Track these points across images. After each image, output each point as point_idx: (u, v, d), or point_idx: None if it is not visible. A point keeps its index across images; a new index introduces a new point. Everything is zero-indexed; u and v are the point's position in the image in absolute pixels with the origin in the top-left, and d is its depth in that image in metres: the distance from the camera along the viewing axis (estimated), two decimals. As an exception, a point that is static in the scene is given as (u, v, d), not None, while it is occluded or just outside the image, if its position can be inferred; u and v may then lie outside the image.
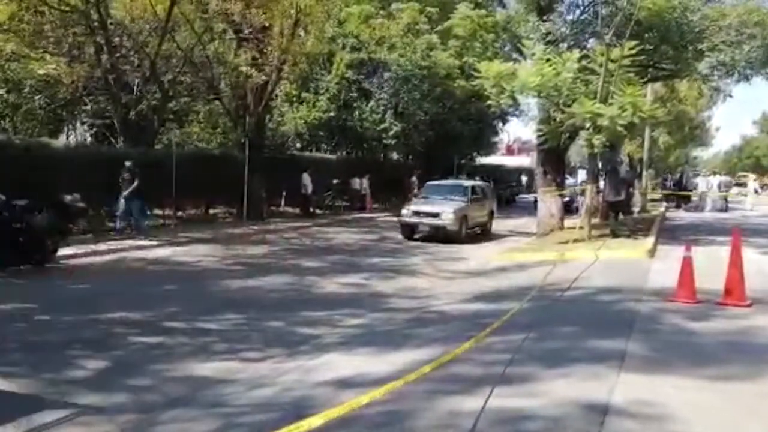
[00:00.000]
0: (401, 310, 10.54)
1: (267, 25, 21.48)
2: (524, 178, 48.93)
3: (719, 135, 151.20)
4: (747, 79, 20.03)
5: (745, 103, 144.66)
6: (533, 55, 17.07)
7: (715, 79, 21.70)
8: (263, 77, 22.00)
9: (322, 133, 32.54)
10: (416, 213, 20.61)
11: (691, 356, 7.10)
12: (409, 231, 20.77)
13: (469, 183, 23.54)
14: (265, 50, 21.91)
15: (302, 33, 23.37)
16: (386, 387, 5.10)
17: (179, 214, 21.40)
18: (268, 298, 11.27)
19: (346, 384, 6.39)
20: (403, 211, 21.12)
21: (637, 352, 7.22)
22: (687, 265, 9.99)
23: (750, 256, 16.10)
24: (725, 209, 35.25)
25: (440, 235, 19.98)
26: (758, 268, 13.67)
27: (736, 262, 9.74)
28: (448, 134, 34.43)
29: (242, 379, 6.88)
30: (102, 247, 15.43)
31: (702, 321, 8.82)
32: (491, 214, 23.49)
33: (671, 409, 5.49)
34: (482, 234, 22.22)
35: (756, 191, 37.17)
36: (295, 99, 30.71)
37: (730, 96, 31.43)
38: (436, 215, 20.15)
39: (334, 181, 28.81)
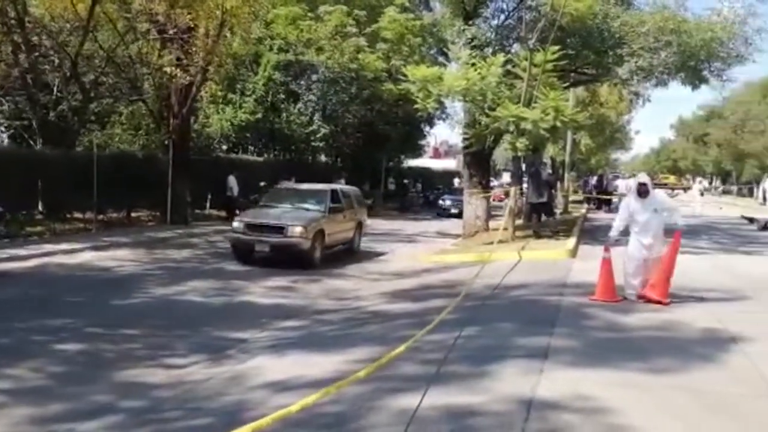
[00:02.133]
0: (330, 312, 10.55)
1: (192, 25, 21.14)
2: (456, 181, 49.28)
3: (639, 138, 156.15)
4: (664, 83, 20.80)
5: (663, 108, 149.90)
6: (459, 59, 17.33)
7: (634, 83, 22.47)
8: (188, 78, 21.63)
9: (248, 135, 32.20)
10: (253, 227, 15.39)
11: (612, 350, 7.33)
12: (245, 251, 15.50)
13: (328, 187, 18.41)
14: (190, 51, 21.55)
15: (228, 34, 23.08)
16: (325, 390, 5.08)
17: (100, 217, 20.86)
18: (193, 303, 11.11)
19: (278, 387, 6.37)
20: (235, 224, 15.91)
21: (561, 347, 7.43)
22: (606, 264, 10.29)
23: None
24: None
25: (286, 257, 15.12)
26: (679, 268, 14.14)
27: (665, 262, 10.09)
28: (376, 137, 34.55)
29: (170, 385, 6.78)
30: (22, 252, 14.92)
31: (622, 317, 9.12)
32: (359, 227, 18.80)
33: (599, 402, 5.69)
34: (347, 252, 17.73)
35: (702, 194, 38.44)
36: (220, 100, 30.31)
37: (649, 100, 32.61)
38: (280, 230, 15.10)
39: (261, 184, 28.51)
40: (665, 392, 6.06)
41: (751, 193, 68.99)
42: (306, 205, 16.63)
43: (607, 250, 10.37)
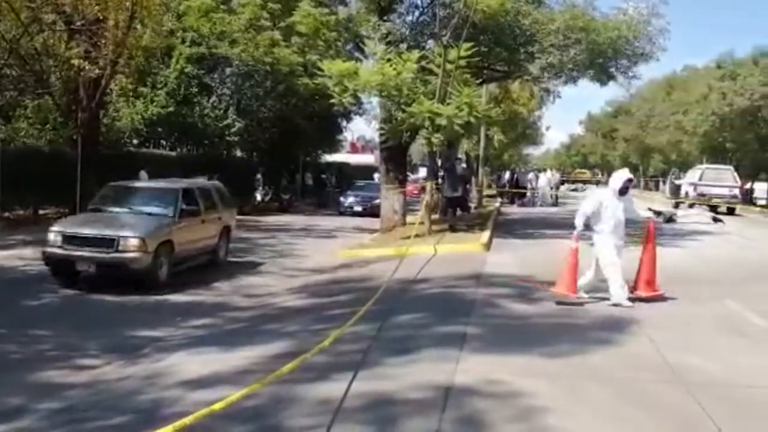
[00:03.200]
0: (245, 309, 10.47)
1: (101, 17, 20.50)
2: (376, 175, 48.98)
3: (550, 134, 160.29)
4: (574, 80, 21.40)
5: (572, 104, 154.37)
6: (374, 54, 17.39)
7: (545, 80, 23.02)
8: (97, 71, 20.98)
9: (160, 130, 31.51)
10: (73, 239, 11.74)
11: (526, 338, 7.61)
12: (64, 270, 11.93)
13: (179, 185, 14.36)
14: (98, 43, 20.90)
15: (139, 26, 22.51)
16: (251, 385, 5.07)
17: (6, 215, 20.07)
18: (105, 302, 10.83)
19: (196, 385, 6.29)
20: (51, 236, 12.05)
21: (477, 336, 7.67)
22: (574, 256, 9.79)
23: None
24: (556, 204, 37.44)
25: (119, 277, 11.61)
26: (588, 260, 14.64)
27: (650, 254, 10.21)
28: (292, 131, 34.26)
29: (85, 385, 6.61)
30: None
31: (534, 306, 9.45)
32: (226, 233, 15.12)
33: (514, 387, 5.92)
34: (210, 264, 14.18)
35: None
36: (131, 94, 29.53)
37: (559, 97, 33.48)
38: (109, 243, 11.52)
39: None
40: (577, 378, 6.32)
41: (657, 187, 71.76)
42: (149, 209, 12.98)
43: (576, 240, 9.86)
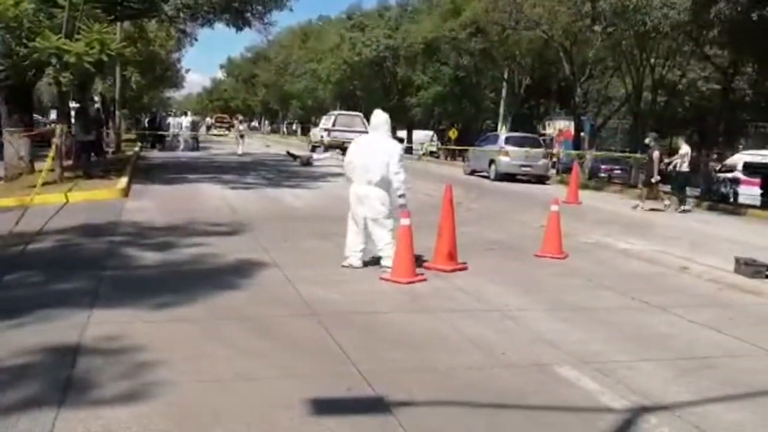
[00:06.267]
0: None
1: None
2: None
3: (191, 77, 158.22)
4: (210, 23, 21.33)
5: (215, 47, 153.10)
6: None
7: (181, 21, 22.58)
8: None
9: None
10: None
11: (166, 287, 7.42)
12: None
13: None
14: None
15: None
16: None
17: None
18: None
19: None
20: None
21: (110, 290, 7.29)
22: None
23: (221, 192, 17.42)
24: (197, 149, 37.26)
25: None
26: (228, 203, 14.91)
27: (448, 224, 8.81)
28: None
29: None
30: None
31: (167, 254, 9.30)
32: None
33: (140, 341, 5.71)
34: None
35: (242, 135, 39.81)
36: None
37: (196, 39, 33.20)
38: None
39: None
40: (214, 322, 6.36)
41: (296, 133, 74.99)
42: None
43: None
